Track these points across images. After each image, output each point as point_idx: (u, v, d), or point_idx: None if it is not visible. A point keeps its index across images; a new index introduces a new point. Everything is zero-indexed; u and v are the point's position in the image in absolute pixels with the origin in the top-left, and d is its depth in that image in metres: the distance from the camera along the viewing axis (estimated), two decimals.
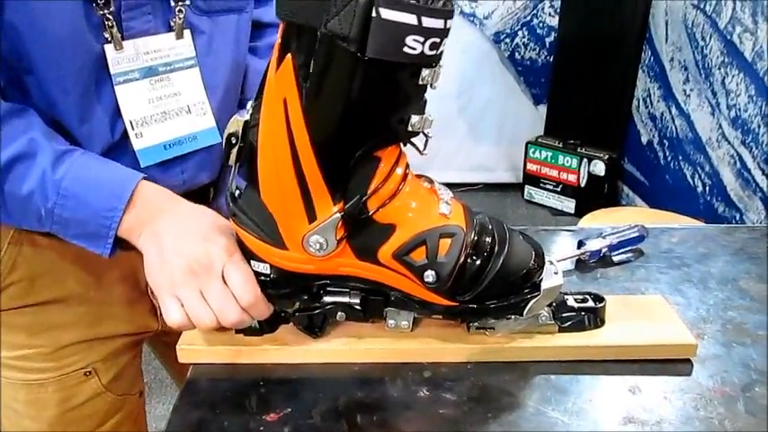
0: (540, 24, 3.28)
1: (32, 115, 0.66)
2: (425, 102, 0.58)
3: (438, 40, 0.51)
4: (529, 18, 3.26)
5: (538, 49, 3.32)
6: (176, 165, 0.75)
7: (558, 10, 3.18)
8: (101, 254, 0.66)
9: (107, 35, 0.67)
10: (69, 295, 0.78)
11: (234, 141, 0.60)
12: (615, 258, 0.90)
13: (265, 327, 0.67)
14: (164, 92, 0.73)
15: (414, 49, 0.50)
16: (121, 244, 0.66)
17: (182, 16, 0.71)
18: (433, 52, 0.52)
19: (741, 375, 0.66)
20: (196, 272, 0.60)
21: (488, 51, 3.30)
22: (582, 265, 0.89)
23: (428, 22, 0.49)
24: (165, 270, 0.61)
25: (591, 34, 3.05)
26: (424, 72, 0.54)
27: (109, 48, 0.67)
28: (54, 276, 0.76)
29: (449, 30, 0.52)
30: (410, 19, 0.49)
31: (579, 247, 0.90)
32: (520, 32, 3.29)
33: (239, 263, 0.61)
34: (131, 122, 0.71)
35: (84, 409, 0.82)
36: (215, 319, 0.60)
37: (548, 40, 3.29)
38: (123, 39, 0.68)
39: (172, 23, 0.72)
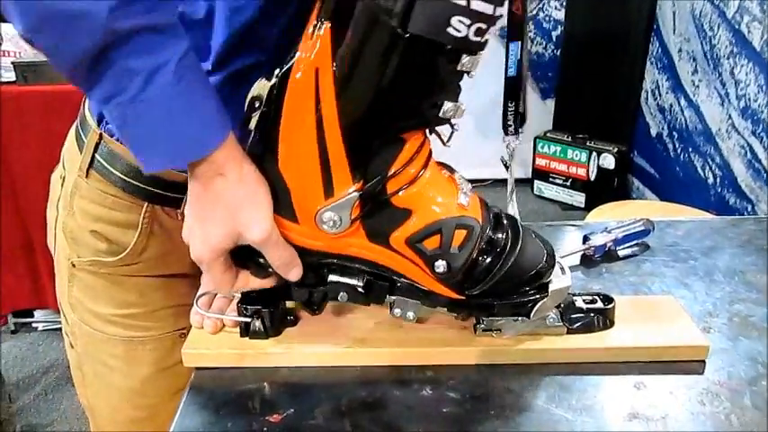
0: (547, 18, 3.26)
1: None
2: (460, 90, 0.57)
3: (484, 26, 0.50)
4: (535, 12, 3.25)
5: (545, 43, 3.31)
6: None
7: (564, 3, 3.17)
8: (143, 163, 0.57)
9: None
10: (182, 272, 0.79)
11: (257, 105, 0.58)
12: (620, 253, 0.90)
13: (270, 330, 0.67)
14: None
15: (458, 31, 0.49)
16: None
17: None
18: (478, 39, 0.50)
19: (748, 369, 0.65)
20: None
21: (495, 46, 3.28)
22: (587, 261, 0.88)
23: (477, 5, 0.48)
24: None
25: (598, 27, 3.04)
26: (464, 58, 0.52)
27: None
28: (177, 255, 0.78)
29: (497, 18, 0.51)
30: None
31: (584, 242, 0.89)
32: (526, 27, 3.28)
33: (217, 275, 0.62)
34: None
35: (174, 370, 0.83)
36: None
37: (554, 33, 3.28)
38: None
39: None
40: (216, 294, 0.70)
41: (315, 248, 0.61)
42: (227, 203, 0.58)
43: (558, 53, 3.27)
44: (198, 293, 0.69)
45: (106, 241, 0.76)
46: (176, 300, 0.81)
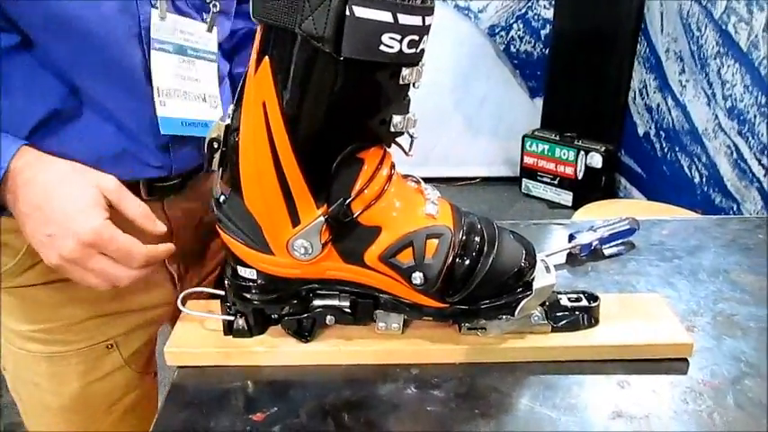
0: (535, 17, 3.27)
1: None
2: (408, 101, 0.57)
3: (416, 37, 0.50)
4: (524, 11, 3.25)
5: (533, 41, 3.32)
6: (189, 143, 0.75)
7: (553, 2, 3.17)
8: None
9: (155, 1, 0.68)
10: None
11: (216, 146, 0.59)
12: (606, 251, 0.90)
13: (254, 328, 0.66)
14: (188, 73, 0.75)
15: (391, 47, 0.49)
16: None
17: (215, 11, 0.73)
18: (412, 50, 0.51)
19: (731, 368, 0.66)
20: (87, 247, 0.61)
21: (483, 45, 3.28)
22: (573, 259, 0.88)
23: (405, 19, 0.49)
24: (55, 245, 0.62)
25: (586, 26, 3.04)
26: (405, 71, 0.53)
27: (155, 13, 0.68)
28: None
29: (428, 27, 0.51)
30: (385, 16, 0.48)
31: (570, 241, 0.89)
32: (515, 25, 3.28)
33: (114, 237, 0.62)
34: (158, 89, 0.71)
35: (105, 383, 0.82)
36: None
37: (543, 32, 3.28)
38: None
39: (205, 16, 0.74)
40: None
41: (294, 276, 0.62)
42: (69, 169, 0.63)
43: (547, 52, 3.28)
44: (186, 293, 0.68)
45: (11, 252, 0.74)
46: (95, 310, 0.79)
